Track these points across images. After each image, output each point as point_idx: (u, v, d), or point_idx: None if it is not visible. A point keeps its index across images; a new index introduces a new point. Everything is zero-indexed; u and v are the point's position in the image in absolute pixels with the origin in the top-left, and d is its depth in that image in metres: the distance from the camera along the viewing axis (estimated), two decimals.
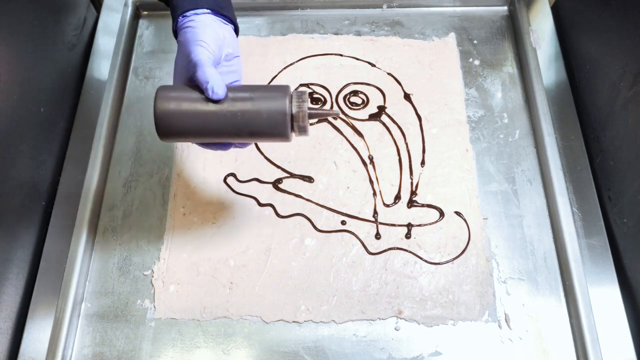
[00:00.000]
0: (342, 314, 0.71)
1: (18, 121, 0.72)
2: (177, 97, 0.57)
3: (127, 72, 0.90)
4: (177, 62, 0.62)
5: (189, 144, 0.83)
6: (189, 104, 0.56)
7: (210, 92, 0.55)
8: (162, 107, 0.56)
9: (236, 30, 0.68)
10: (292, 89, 0.60)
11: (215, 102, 0.56)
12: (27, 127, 0.74)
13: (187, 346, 0.70)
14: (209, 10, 0.63)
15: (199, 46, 0.59)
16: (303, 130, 0.58)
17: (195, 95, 0.57)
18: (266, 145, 0.83)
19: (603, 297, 0.71)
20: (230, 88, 0.58)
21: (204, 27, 0.61)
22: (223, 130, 0.57)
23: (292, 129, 0.58)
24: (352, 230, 0.76)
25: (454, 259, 0.74)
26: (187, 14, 0.62)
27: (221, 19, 0.64)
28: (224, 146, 0.62)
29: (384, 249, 0.75)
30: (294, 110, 0.57)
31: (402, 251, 0.75)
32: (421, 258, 0.74)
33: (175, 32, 0.64)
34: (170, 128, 0.57)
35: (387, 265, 0.74)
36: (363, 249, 0.75)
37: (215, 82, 0.56)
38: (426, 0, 0.96)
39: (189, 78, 0.59)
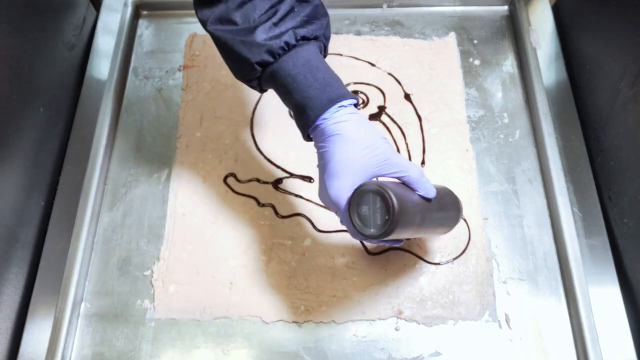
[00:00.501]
0: (342, 314, 0.71)
1: (18, 121, 0.72)
2: (402, 194, 0.53)
3: (126, 72, 0.90)
4: (354, 153, 0.52)
5: (188, 144, 0.83)
6: (410, 198, 0.54)
7: (430, 193, 0.56)
8: (399, 202, 0.51)
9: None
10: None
11: (428, 200, 0.57)
12: (27, 127, 0.74)
13: (187, 346, 0.70)
14: (353, 100, 0.55)
15: (386, 143, 0.54)
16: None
17: (411, 193, 0.56)
18: (266, 145, 0.83)
19: (603, 297, 0.71)
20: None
21: (362, 118, 0.55)
22: (432, 219, 0.59)
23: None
24: None
25: (454, 259, 0.74)
26: (344, 103, 0.53)
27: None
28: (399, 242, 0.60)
29: (384, 249, 0.75)
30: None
31: (402, 251, 0.75)
32: (421, 258, 0.74)
33: (315, 126, 0.54)
34: (403, 220, 0.52)
35: (387, 265, 0.74)
36: (363, 249, 0.75)
37: (428, 182, 0.56)
38: (426, 0, 0.96)
39: (376, 173, 0.54)
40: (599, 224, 0.75)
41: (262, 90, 0.61)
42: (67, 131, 0.83)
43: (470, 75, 0.89)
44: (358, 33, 0.93)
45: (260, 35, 0.53)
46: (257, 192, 0.79)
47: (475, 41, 0.92)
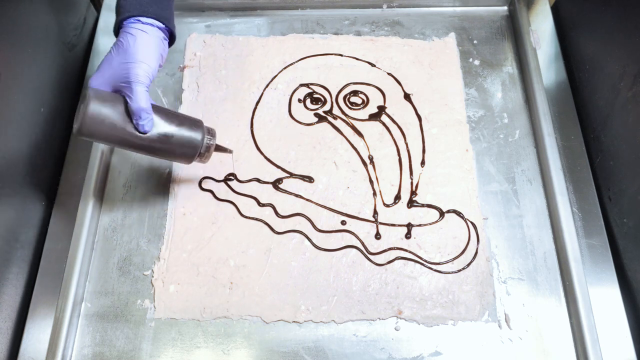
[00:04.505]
0: (342, 314, 0.71)
1: (18, 121, 0.72)
2: (109, 108, 0.62)
3: None
4: (114, 61, 0.62)
5: None
6: (117, 120, 0.62)
7: (140, 128, 0.62)
8: (93, 111, 0.60)
9: (171, 42, 0.69)
10: (204, 123, 0.69)
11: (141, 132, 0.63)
12: (27, 127, 0.74)
13: (187, 346, 0.70)
14: (160, 24, 0.65)
15: (142, 69, 0.62)
16: (204, 161, 0.71)
17: (125, 115, 0.62)
18: (266, 145, 0.83)
19: (603, 297, 0.71)
20: (156, 113, 0.64)
21: (150, 43, 0.63)
22: (140, 148, 0.65)
23: (196, 158, 0.69)
24: (352, 230, 0.76)
25: (454, 259, 0.74)
26: (140, 18, 0.63)
27: (164, 34, 0.66)
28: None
29: (384, 249, 0.75)
30: (204, 145, 0.68)
31: (402, 251, 0.75)
32: (421, 258, 0.74)
33: (118, 29, 0.65)
34: (92, 133, 0.62)
35: (387, 265, 0.74)
36: (363, 248, 0.75)
37: (147, 120, 0.62)
38: (426, 0, 0.96)
39: (117, 85, 0.62)
40: (598, 224, 0.76)
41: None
42: (67, 131, 0.83)
43: (470, 75, 0.89)
44: (358, 33, 0.93)
45: None
46: (257, 192, 0.79)
47: (475, 41, 0.92)
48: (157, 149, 0.66)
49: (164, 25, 0.66)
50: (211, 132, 0.70)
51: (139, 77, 0.61)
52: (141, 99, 0.61)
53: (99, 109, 0.61)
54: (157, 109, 0.65)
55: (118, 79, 0.62)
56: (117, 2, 0.66)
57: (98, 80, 0.63)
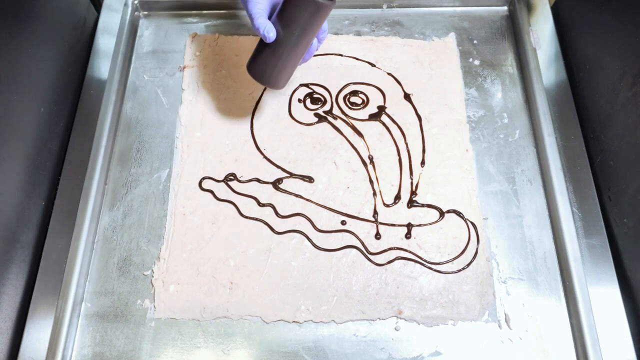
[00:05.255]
0: (342, 314, 0.71)
1: (18, 121, 0.72)
2: (256, 50, 0.76)
3: (127, 72, 0.90)
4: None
5: (188, 144, 0.83)
6: (260, 47, 0.75)
7: (266, 39, 0.71)
8: (250, 63, 0.76)
9: None
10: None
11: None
12: (27, 127, 0.74)
13: (187, 346, 0.70)
14: None
15: (254, 2, 0.72)
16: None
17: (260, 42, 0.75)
18: (266, 145, 0.83)
19: (603, 297, 0.71)
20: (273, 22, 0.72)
21: None
22: (286, 51, 0.73)
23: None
24: (352, 230, 0.76)
25: (454, 259, 0.74)
26: None
27: None
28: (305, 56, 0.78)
29: (384, 249, 0.75)
30: None
31: (402, 251, 0.75)
32: (421, 258, 0.74)
33: None
34: (257, 68, 0.75)
35: (387, 265, 0.74)
36: (363, 248, 0.75)
37: (267, 29, 0.71)
38: (426, 0, 0.96)
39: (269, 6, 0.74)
40: (598, 224, 0.75)
41: None
42: (67, 131, 0.83)
43: (470, 75, 0.89)
44: (358, 33, 0.93)
45: None
46: (257, 192, 0.79)
47: (475, 41, 0.92)
48: (295, 36, 0.71)
49: None
50: None
51: (252, 9, 0.72)
52: (256, 17, 0.71)
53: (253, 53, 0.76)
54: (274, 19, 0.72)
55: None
56: None
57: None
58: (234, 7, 0.96)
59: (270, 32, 0.71)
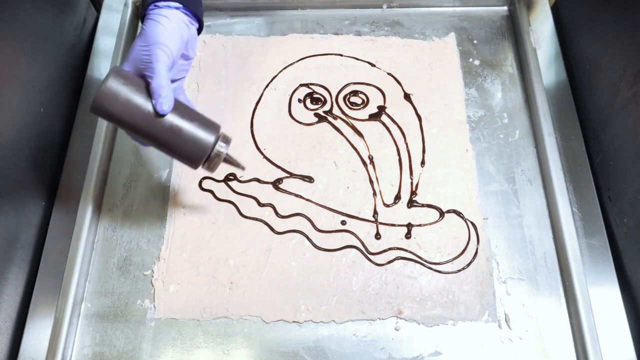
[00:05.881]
0: (342, 314, 0.71)
1: (18, 121, 0.72)
2: (128, 86, 0.61)
3: None
4: (136, 47, 0.63)
5: None
6: (134, 98, 0.61)
7: (158, 106, 0.61)
8: (111, 87, 0.60)
9: (200, 29, 0.69)
10: (221, 130, 0.66)
11: (157, 114, 0.61)
12: (27, 127, 0.74)
13: (187, 346, 0.70)
14: (180, 5, 0.64)
15: (161, 50, 0.62)
16: (211, 169, 0.66)
17: (143, 96, 0.61)
18: (266, 145, 0.83)
19: (603, 297, 0.71)
20: (175, 105, 0.63)
21: (171, 26, 0.63)
22: (148, 134, 0.62)
23: (204, 163, 0.65)
24: (352, 230, 0.76)
25: (454, 259, 0.74)
26: (159, 4, 0.63)
27: (190, 18, 0.66)
28: (142, 143, 0.68)
29: (384, 249, 0.75)
30: (215, 151, 0.64)
31: (402, 251, 0.75)
32: (421, 258, 0.74)
33: (143, 17, 0.65)
34: (107, 108, 0.60)
35: (387, 265, 0.74)
36: (363, 248, 0.75)
37: (166, 99, 0.61)
38: (426, 0, 0.96)
39: (139, 68, 0.63)
40: (598, 224, 0.76)
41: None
42: (67, 131, 0.83)
43: (470, 75, 0.89)
44: (358, 33, 0.93)
45: None
46: (257, 192, 0.79)
47: (475, 41, 0.92)
48: (165, 140, 0.63)
49: (184, 8, 0.65)
50: (226, 140, 0.65)
51: (159, 57, 0.61)
52: (161, 76, 0.61)
53: (116, 85, 0.60)
54: (177, 101, 0.63)
55: (140, 62, 0.63)
56: None
57: (124, 66, 0.64)
58: (234, 8, 0.96)
59: (167, 105, 0.61)
